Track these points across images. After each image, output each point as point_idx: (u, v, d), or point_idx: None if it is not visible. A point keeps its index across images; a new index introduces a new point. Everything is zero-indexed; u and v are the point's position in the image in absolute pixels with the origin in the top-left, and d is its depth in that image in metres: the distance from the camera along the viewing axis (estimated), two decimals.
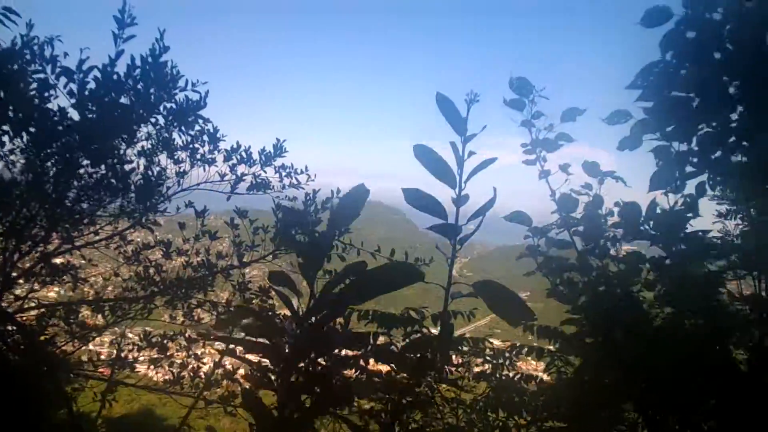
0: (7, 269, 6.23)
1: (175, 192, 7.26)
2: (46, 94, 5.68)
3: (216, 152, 7.25)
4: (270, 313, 3.32)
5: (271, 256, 7.50)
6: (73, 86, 5.74)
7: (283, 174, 7.51)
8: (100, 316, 7.35)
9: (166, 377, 7.53)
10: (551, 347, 4.87)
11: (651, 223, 3.98)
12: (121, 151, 6.39)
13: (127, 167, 6.45)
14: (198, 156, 7.18)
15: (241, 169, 7.41)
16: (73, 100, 5.76)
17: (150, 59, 5.99)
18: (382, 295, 2.76)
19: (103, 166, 6.18)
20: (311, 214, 7.37)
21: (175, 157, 7.02)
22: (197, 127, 6.91)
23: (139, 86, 6.01)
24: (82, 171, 6.14)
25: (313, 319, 2.66)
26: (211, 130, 7.07)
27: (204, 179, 7.36)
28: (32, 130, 5.70)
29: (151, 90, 6.12)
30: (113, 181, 6.28)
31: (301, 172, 7.58)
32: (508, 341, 5.61)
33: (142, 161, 6.74)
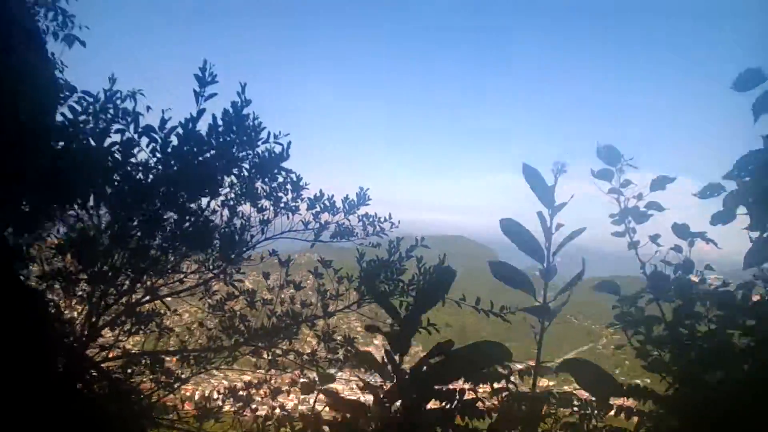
0: (93, 319, 6.29)
1: (258, 241, 7.26)
2: (130, 152, 5.76)
3: (299, 200, 7.22)
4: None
5: (355, 305, 7.37)
6: (155, 144, 5.81)
7: (367, 222, 7.40)
8: (185, 365, 7.35)
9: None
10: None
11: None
12: (204, 203, 6.43)
13: (211, 218, 6.49)
14: (281, 204, 7.15)
15: (325, 217, 7.36)
16: (155, 157, 5.83)
17: (233, 113, 6.02)
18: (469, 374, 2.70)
19: (186, 219, 6.22)
20: (396, 263, 7.23)
21: (259, 205, 7.01)
22: (280, 178, 6.90)
23: (222, 139, 6.05)
24: (165, 224, 6.19)
25: (399, 402, 2.57)
26: (294, 179, 7.04)
27: (288, 227, 7.33)
28: (116, 183, 5.79)
29: (234, 144, 6.15)
30: (197, 233, 6.31)
31: (385, 220, 7.47)
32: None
33: (225, 212, 6.76)
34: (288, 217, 7.29)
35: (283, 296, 7.43)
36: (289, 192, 7.13)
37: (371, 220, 7.39)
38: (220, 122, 6.08)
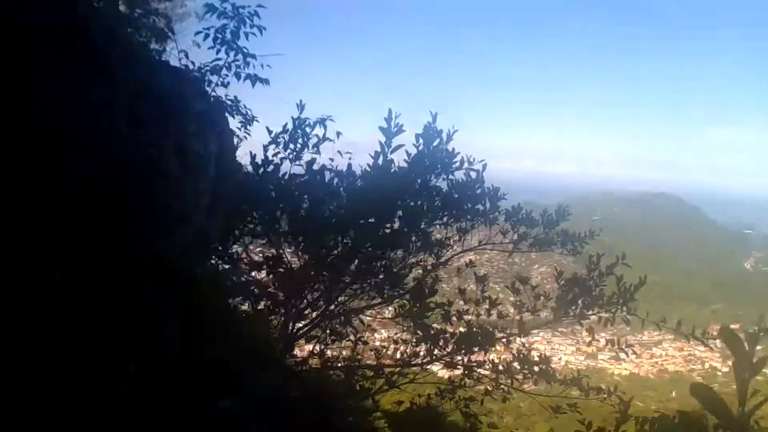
0: (289, 329, 6.62)
1: (455, 253, 7.28)
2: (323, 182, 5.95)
3: (497, 212, 7.11)
4: None
5: (551, 324, 7.20)
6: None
7: (566, 239, 7.16)
8: (377, 378, 7.53)
9: None
10: None
11: None
12: (395, 254, 6.55)
13: (403, 272, 6.62)
14: (479, 216, 7.08)
15: (522, 229, 7.22)
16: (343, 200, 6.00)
17: (424, 146, 6.04)
18: None
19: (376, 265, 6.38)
20: (594, 280, 6.95)
21: (459, 224, 7.02)
22: (478, 191, 6.84)
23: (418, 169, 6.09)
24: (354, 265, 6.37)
25: None
26: (491, 190, 6.94)
27: (486, 239, 7.30)
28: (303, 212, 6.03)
29: (431, 173, 6.18)
30: (386, 283, 6.45)
31: (585, 235, 7.17)
32: None
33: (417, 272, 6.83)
34: (486, 226, 7.23)
35: (479, 311, 7.38)
36: (487, 202, 7.04)
37: (569, 238, 7.13)
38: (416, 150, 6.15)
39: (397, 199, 6.24)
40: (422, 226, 6.77)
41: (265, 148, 6.34)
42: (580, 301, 6.80)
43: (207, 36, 6.12)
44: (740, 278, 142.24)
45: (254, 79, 6.44)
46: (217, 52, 6.16)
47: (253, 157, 6.24)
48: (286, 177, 6.30)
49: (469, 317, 7.39)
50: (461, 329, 7.29)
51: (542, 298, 7.15)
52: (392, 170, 6.04)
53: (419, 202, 6.52)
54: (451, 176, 6.54)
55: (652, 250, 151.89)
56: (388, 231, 6.47)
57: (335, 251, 6.34)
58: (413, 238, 6.75)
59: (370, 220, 6.21)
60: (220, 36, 6.12)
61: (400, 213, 6.43)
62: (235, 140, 6.43)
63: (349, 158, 6.42)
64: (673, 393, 76.90)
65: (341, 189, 6.23)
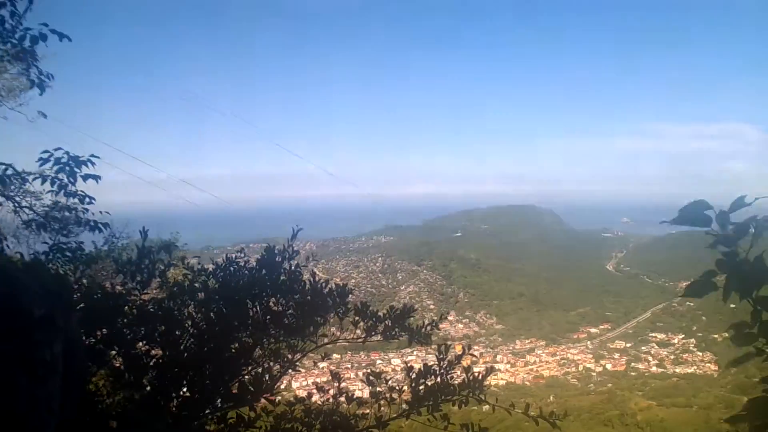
0: None
1: (308, 350, 7.50)
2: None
3: (346, 307, 7.40)
4: None
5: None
6: None
7: (412, 334, 7.53)
8: None
9: None
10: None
11: None
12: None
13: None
14: (330, 311, 7.38)
15: (370, 322, 7.55)
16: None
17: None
18: None
19: None
20: (444, 369, 7.29)
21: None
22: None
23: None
24: None
25: None
26: (339, 287, 7.34)
27: (337, 335, 7.65)
28: None
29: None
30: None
31: (432, 327, 7.55)
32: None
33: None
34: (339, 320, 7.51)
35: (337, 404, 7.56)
36: (336, 298, 7.30)
37: (415, 332, 7.49)
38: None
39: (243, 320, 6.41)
40: (271, 343, 6.97)
41: (112, 284, 6.34)
42: (432, 397, 7.06)
43: (44, 180, 6.11)
44: (604, 280, 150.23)
45: (94, 226, 6.45)
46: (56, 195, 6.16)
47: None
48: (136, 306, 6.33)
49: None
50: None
51: (396, 390, 7.36)
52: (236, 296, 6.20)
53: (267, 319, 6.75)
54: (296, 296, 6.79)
55: (518, 262, 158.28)
56: (234, 350, 6.63)
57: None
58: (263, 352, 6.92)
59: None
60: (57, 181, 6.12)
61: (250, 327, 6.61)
62: None
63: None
64: (551, 397, 80.00)
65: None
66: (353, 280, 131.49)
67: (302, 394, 7.75)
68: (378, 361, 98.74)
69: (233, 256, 7.06)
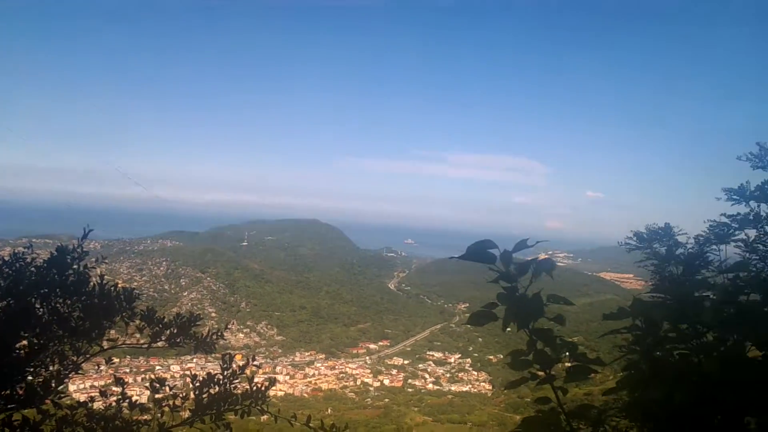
0: None
1: (92, 353, 7.38)
2: None
3: (132, 312, 7.41)
4: None
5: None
6: None
7: (198, 343, 7.69)
8: None
9: None
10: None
11: None
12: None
13: None
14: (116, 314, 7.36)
15: (156, 329, 7.58)
16: None
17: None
18: None
19: None
20: (228, 378, 7.50)
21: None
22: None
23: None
24: None
25: None
26: (126, 291, 7.35)
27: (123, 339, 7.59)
28: None
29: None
30: None
31: (216, 337, 7.76)
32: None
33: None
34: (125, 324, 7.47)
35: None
36: (123, 302, 7.29)
37: (200, 341, 7.65)
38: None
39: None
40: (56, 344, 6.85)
41: None
42: (215, 406, 7.20)
43: None
44: (385, 298, 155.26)
45: None
46: None
47: None
48: None
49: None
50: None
51: (180, 398, 7.43)
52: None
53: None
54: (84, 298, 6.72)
55: (301, 276, 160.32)
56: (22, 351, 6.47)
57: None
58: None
59: None
60: None
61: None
62: None
63: None
64: (329, 410, 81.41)
65: None
66: (136, 283, 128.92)
67: (81, 397, 7.66)
68: (158, 367, 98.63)
69: (20, 251, 6.87)
